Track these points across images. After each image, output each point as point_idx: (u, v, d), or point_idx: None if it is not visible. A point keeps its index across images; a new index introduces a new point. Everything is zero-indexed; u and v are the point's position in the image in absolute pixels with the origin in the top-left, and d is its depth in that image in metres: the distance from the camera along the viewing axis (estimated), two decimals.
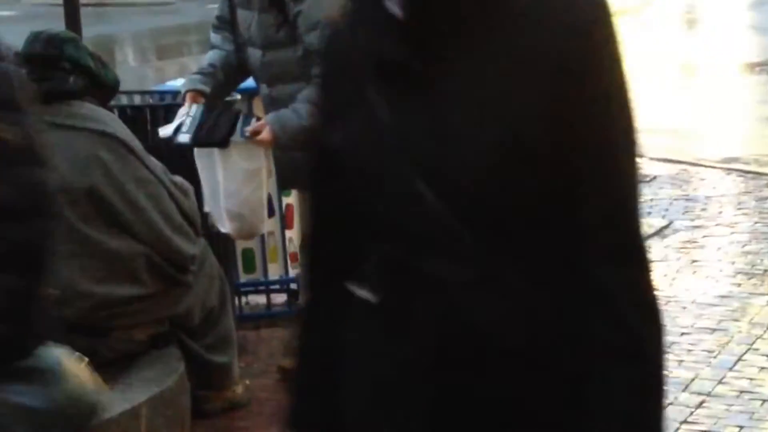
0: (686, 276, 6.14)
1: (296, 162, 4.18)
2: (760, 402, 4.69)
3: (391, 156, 1.75)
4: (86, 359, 3.85)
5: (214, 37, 4.88)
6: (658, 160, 8.37)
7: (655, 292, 1.78)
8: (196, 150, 4.70)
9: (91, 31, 8.27)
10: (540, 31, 1.71)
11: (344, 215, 1.86)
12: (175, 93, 5.17)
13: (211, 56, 4.85)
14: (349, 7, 1.87)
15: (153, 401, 3.90)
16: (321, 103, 1.97)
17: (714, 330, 5.42)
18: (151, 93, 5.84)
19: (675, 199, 7.51)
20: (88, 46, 4.28)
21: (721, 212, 7.21)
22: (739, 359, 5.08)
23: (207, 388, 4.46)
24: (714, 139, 9.17)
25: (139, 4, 20.66)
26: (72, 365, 3.05)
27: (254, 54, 4.69)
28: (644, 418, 1.74)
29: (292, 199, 5.60)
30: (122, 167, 4.04)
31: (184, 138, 4.57)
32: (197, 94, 4.72)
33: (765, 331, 5.37)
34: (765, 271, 6.16)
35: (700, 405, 4.67)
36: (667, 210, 7.29)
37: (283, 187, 5.42)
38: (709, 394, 4.76)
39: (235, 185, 4.65)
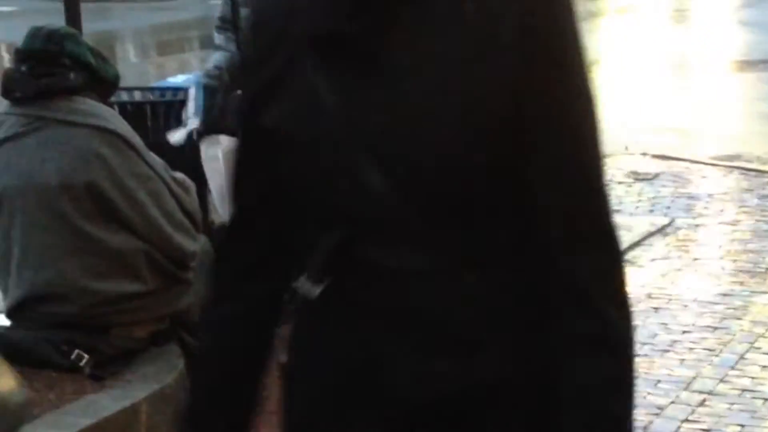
0: (688, 274, 6.13)
1: None
2: (762, 400, 4.68)
3: (333, 137, 1.62)
4: (86, 356, 3.86)
5: (218, 38, 4.88)
6: (660, 157, 8.37)
7: (627, 284, 1.67)
8: (203, 157, 4.68)
9: (91, 27, 8.26)
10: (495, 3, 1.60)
11: (280, 201, 1.72)
12: (175, 89, 5.16)
13: (216, 58, 4.86)
14: None
15: (153, 398, 3.89)
16: (248, 79, 1.80)
17: (716, 328, 5.40)
18: (151, 89, 5.83)
19: (677, 197, 7.49)
20: (89, 42, 4.27)
21: (722, 210, 7.19)
22: (741, 358, 5.07)
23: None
24: (716, 136, 9.15)
25: (139, 0, 20.64)
26: None
27: None
28: (616, 410, 1.65)
29: None
30: (122, 163, 4.02)
31: (193, 124, 4.55)
32: None
33: (767, 330, 5.36)
34: (767, 269, 6.15)
35: (701, 403, 4.66)
36: (668, 208, 7.28)
37: None
38: (710, 393, 4.75)
39: None
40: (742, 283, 5.96)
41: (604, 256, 1.65)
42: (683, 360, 5.06)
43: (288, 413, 1.79)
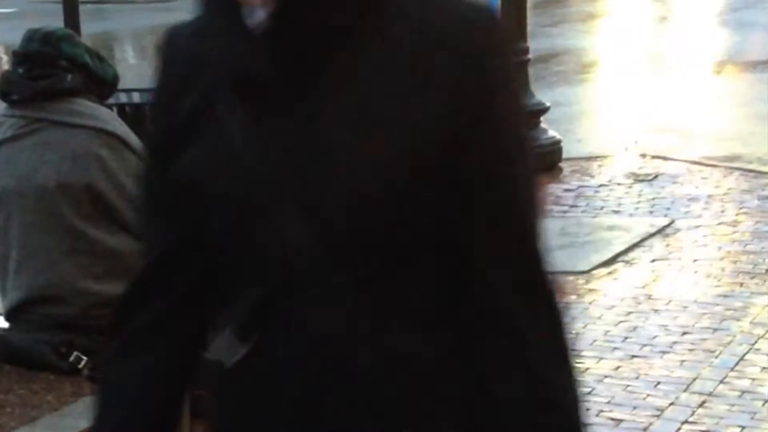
0: (688, 275, 6.12)
1: None
2: (762, 402, 4.67)
3: (248, 186, 1.52)
4: (85, 358, 3.85)
5: None
6: (660, 158, 8.36)
7: (568, 331, 1.59)
8: None
9: (90, 28, 8.26)
10: (433, 51, 1.52)
11: (194, 255, 1.61)
12: None
13: None
14: (197, 13, 1.66)
15: None
16: (155, 121, 1.70)
17: (716, 330, 5.40)
18: (150, 91, 5.81)
19: (676, 198, 7.49)
20: (88, 44, 4.26)
21: (722, 211, 7.18)
22: (741, 359, 5.06)
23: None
24: (716, 137, 9.15)
25: (138, 1, 20.64)
26: None
27: None
28: None
29: None
30: (121, 165, 4.02)
31: None
32: None
33: (767, 331, 5.35)
34: (767, 270, 6.14)
35: (701, 405, 4.66)
36: (668, 209, 7.27)
37: None
38: (710, 394, 4.75)
39: None
40: (741, 285, 5.95)
41: (540, 304, 1.58)
42: (683, 361, 5.05)
43: None
